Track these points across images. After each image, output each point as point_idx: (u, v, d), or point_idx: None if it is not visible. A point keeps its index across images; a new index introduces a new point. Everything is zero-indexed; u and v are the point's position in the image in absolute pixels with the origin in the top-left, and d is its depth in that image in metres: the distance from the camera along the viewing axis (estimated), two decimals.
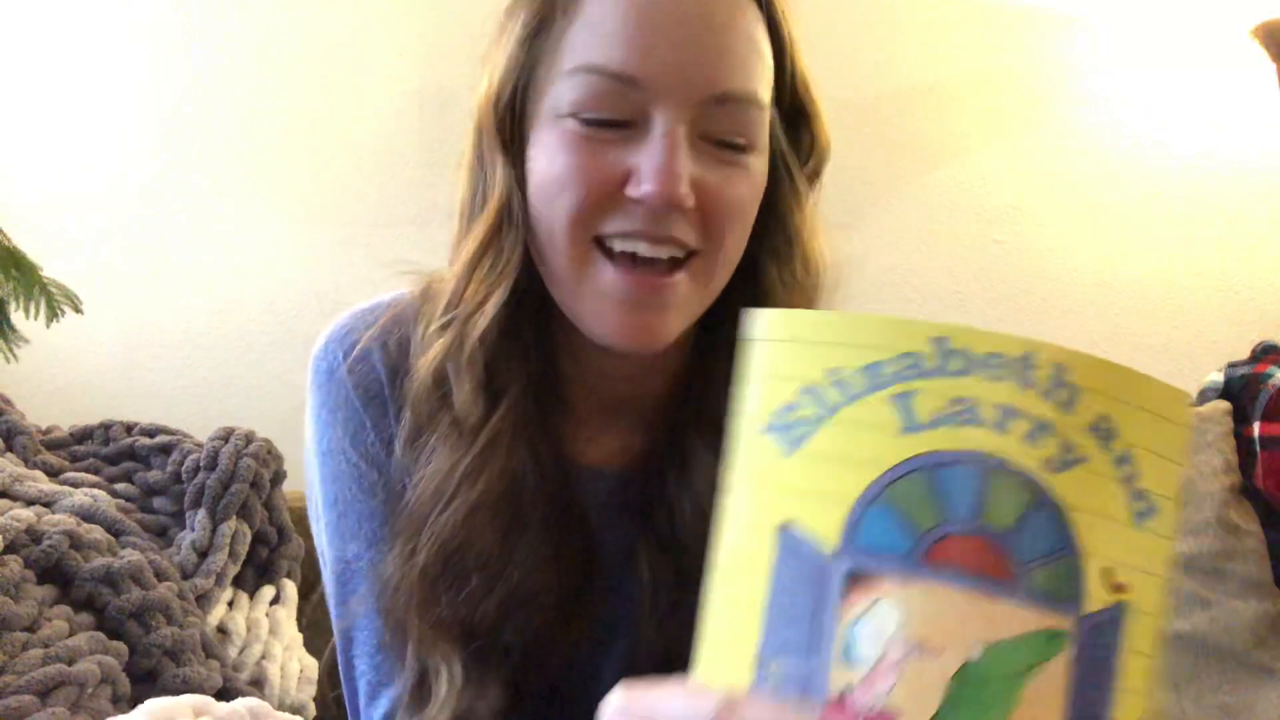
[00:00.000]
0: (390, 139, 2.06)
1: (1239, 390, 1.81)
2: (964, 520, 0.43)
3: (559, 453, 0.78)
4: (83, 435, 1.85)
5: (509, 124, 0.72)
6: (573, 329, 0.75)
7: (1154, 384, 0.45)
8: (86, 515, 1.53)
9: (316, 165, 2.14)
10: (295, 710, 1.62)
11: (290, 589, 1.73)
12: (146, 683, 1.38)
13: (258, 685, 1.58)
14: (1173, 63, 2.05)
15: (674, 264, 0.71)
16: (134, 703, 1.21)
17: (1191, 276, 2.11)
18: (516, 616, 0.75)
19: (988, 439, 0.44)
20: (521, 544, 0.74)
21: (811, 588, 0.44)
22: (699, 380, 0.78)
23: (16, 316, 1.55)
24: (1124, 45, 2.07)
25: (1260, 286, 2.11)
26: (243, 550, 1.66)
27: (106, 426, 1.84)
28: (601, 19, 0.68)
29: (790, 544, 0.45)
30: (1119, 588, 0.44)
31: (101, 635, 1.37)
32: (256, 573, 1.72)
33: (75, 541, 1.44)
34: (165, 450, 1.76)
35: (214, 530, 1.64)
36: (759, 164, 0.74)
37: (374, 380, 0.79)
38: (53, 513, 1.50)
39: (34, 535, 1.43)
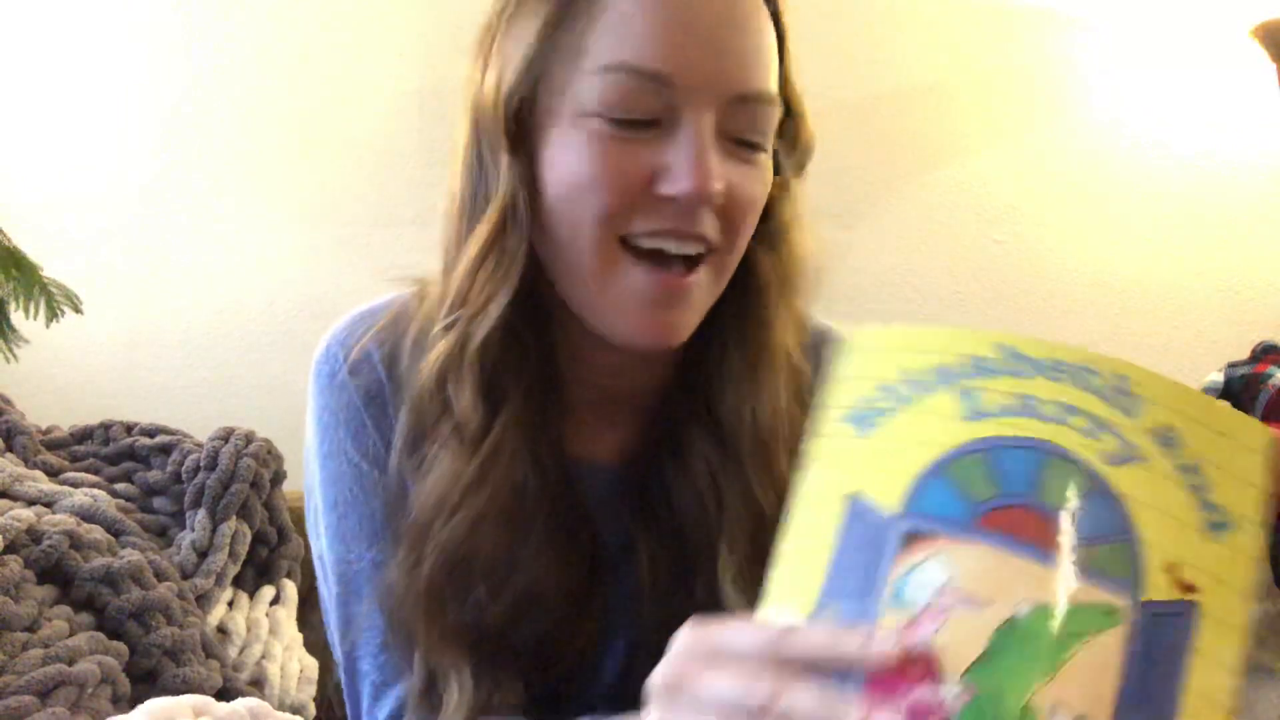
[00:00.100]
0: (390, 139, 2.06)
1: (1239, 390, 1.81)
2: (1019, 495, 0.47)
3: (559, 452, 0.78)
4: (83, 435, 1.85)
5: (516, 121, 0.71)
6: (571, 327, 0.75)
7: (1222, 408, 0.49)
8: (86, 515, 1.53)
9: (316, 165, 2.14)
10: (295, 710, 1.62)
11: (290, 589, 1.73)
12: (146, 683, 1.38)
13: (258, 685, 1.58)
14: (1173, 63, 2.05)
15: (693, 261, 0.71)
16: (134, 703, 1.21)
17: (1191, 276, 2.11)
18: (525, 619, 0.75)
19: (1047, 429, 0.48)
20: (526, 548, 0.74)
21: (871, 545, 0.49)
22: (694, 370, 0.77)
23: (16, 316, 1.55)
24: (1124, 45, 2.07)
25: (1260, 286, 2.11)
26: (243, 550, 1.66)
27: (106, 426, 1.84)
28: (630, 17, 0.67)
29: (857, 510, 0.50)
30: (1187, 587, 0.46)
31: (101, 635, 1.37)
32: (256, 573, 1.72)
33: (75, 541, 1.44)
34: (165, 450, 1.76)
35: (214, 530, 1.64)
36: (768, 161, 0.75)
37: (375, 381, 0.79)
38: (53, 513, 1.50)
39: (34, 535, 1.43)
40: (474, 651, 0.74)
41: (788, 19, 0.76)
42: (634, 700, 0.72)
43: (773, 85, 0.72)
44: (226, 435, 1.74)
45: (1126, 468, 0.47)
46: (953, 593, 0.46)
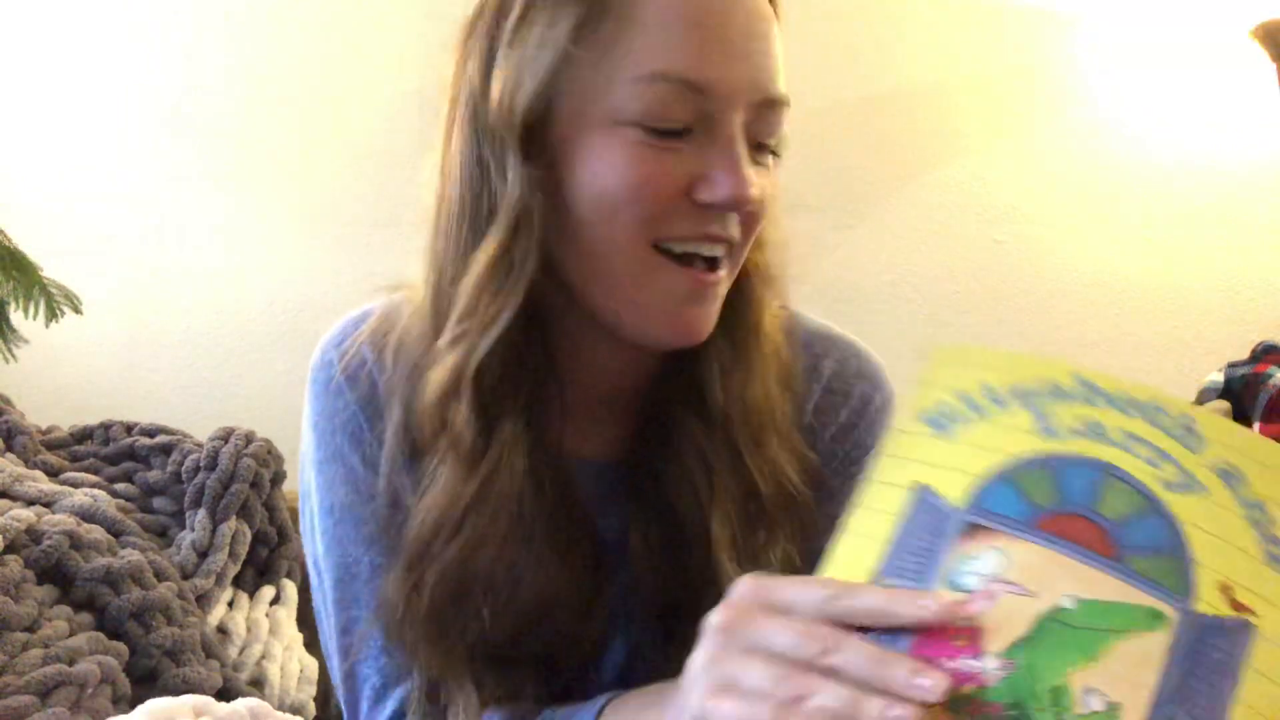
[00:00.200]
0: (390, 139, 2.06)
1: (1239, 390, 1.81)
2: (1077, 505, 0.52)
3: (556, 458, 0.78)
4: (83, 435, 1.85)
5: (528, 128, 0.70)
6: (573, 328, 0.75)
7: None
8: (86, 515, 1.53)
9: (316, 165, 2.14)
10: (295, 710, 1.62)
11: (290, 589, 1.73)
12: (147, 683, 1.38)
13: (258, 685, 1.58)
14: (1173, 63, 2.05)
15: (716, 258, 0.72)
16: (134, 703, 1.21)
17: (1191, 276, 2.11)
18: (529, 630, 0.75)
19: (1111, 453, 0.53)
20: (529, 562, 0.74)
21: (932, 531, 0.53)
22: (684, 360, 0.77)
23: (16, 317, 1.55)
24: (1124, 45, 2.07)
25: (1260, 286, 2.11)
26: (243, 550, 1.66)
27: (106, 426, 1.84)
28: (666, 26, 0.67)
29: (923, 498, 0.55)
30: (1240, 606, 0.49)
31: (101, 635, 1.37)
32: (256, 573, 1.72)
33: (75, 541, 1.44)
34: (165, 450, 1.76)
35: (214, 530, 1.64)
36: (776, 162, 0.75)
37: (370, 385, 0.79)
38: (53, 513, 1.50)
39: (34, 535, 1.43)
40: (478, 665, 0.74)
41: (789, 20, 0.76)
42: None
43: (785, 89, 0.72)
44: (226, 435, 1.74)
45: (1185, 495, 0.51)
46: (1003, 581, 0.50)
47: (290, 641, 1.68)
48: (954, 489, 0.54)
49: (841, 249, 2.16)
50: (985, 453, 0.54)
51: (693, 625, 0.76)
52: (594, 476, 0.80)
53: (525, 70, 0.69)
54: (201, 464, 1.70)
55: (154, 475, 1.73)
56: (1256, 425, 1.76)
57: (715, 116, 0.69)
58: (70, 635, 1.34)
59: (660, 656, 0.77)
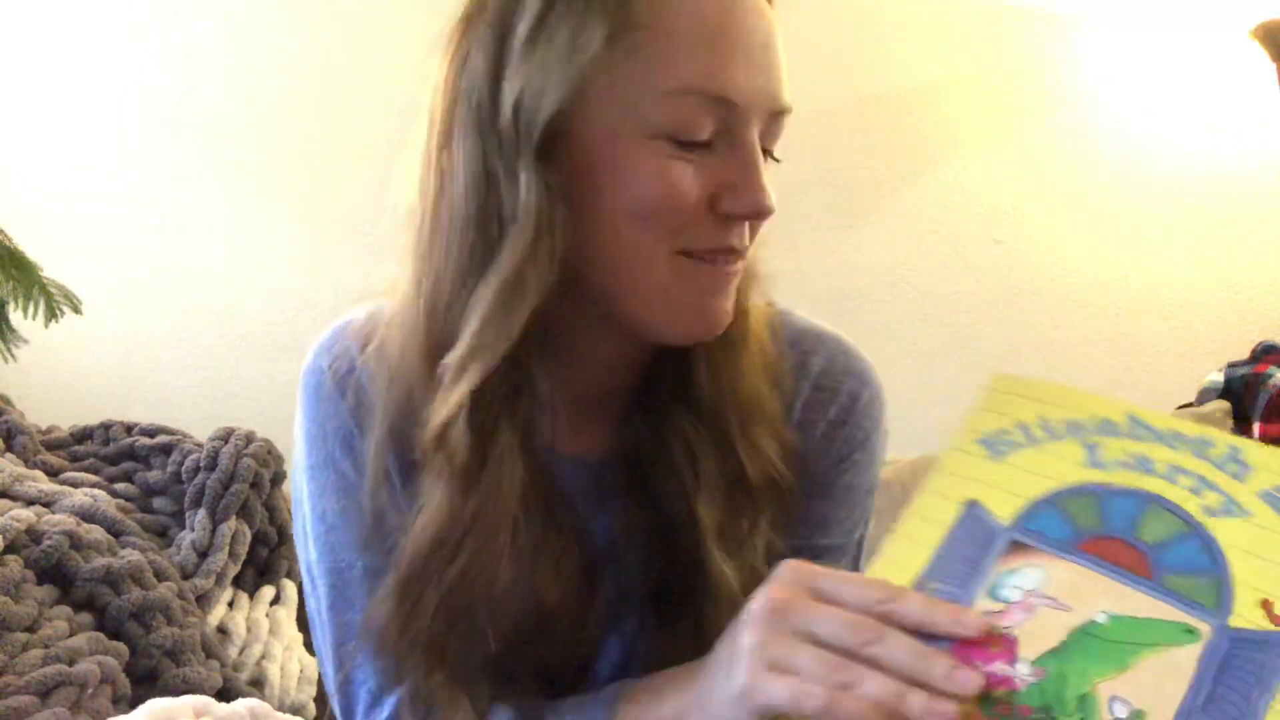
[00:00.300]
0: (391, 139, 2.05)
1: (1239, 390, 1.81)
2: (1118, 530, 0.56)
3: (550, 459, 0.77)
4: (83, 435, 1.85)
5: (548, 137, 0.69)
6: (570, 330, 0.75)
7: None
8: (86, 515, 1.53)
9: (317, 165, 2.14)
10: (295, 710, 1.62)
11: (290, 589, 1.73)
12: (147, 683, 1.38)
13: (258, 685, 1.58)
14: (1173, 63, 2.05)
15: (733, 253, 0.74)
16: (134, 703, 1.21)
17: (1191, 276, 2.11)
18: (526, 641, 0.75)
19: (1155, 484, 0.57)
20: (525, 575, 0.74)
21: (979, 544, 0.58)
22: (678, 355, 0.78)
23: (16, 316, 1.55)
24: (1124, 45, 2.07)
25: (1260, 286, 2.11)
26: (243, 550, 1.66)
27: (106, 426, 1.84)
28: (691, 38, 0.68)
29: (973, 513, 0.59)
30: None
31: (101, 635, 1.37)
32: (256, 573, 1.72)
33: (75, 542, 1.44)
34: (165, 450, 1.76)
35: (214, 530, 1.64)
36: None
37: (360, 390, 0.79)
38: (53, 513, 1.50)
39: (34, 535, 1.43)
40: (473, 679, 0.73)
41: (791, 20, 0.76)
42: None
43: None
44: (226, 435, 1.74)
45: (1227, 519, 0.55)
46: (1041, 595, 0.54)
47: (290, 641, 1.68)
48: (1004, 508, 0.58)
49: (841, 249, 2.16)
50: (1036, 478, 0.59)
51: (685, 613, 0.76)
52: (586, 475, 0.80)
53: (549, 78, 0.68)
54: (201, 464, 1.70)
55: (154, 475, 1.73)
56: (1256, 425, 1.76)
57: (736, 128, 0.70)
58: (70, 635, 1.34)
59: (656, 647, 0.77)
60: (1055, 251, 2.13)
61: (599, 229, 0.70)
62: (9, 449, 1.72)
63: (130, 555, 1.47)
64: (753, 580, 0.75)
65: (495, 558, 0.72)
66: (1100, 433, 0.59)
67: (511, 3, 0.69)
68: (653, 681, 0.71)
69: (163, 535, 1.66)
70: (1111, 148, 2.10)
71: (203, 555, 1.61)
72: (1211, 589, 0.53)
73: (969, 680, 0.52)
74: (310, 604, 0.84)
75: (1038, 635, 0.53)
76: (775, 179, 0.71)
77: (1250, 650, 0.52)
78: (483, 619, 0.72)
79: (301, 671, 1.67)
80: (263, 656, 1.63)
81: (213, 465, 1.69)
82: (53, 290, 1.55)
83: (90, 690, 1.27)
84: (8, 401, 1.84)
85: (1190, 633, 0.52)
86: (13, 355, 1.57)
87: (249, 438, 1.74)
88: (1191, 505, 0.56)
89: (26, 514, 1.46)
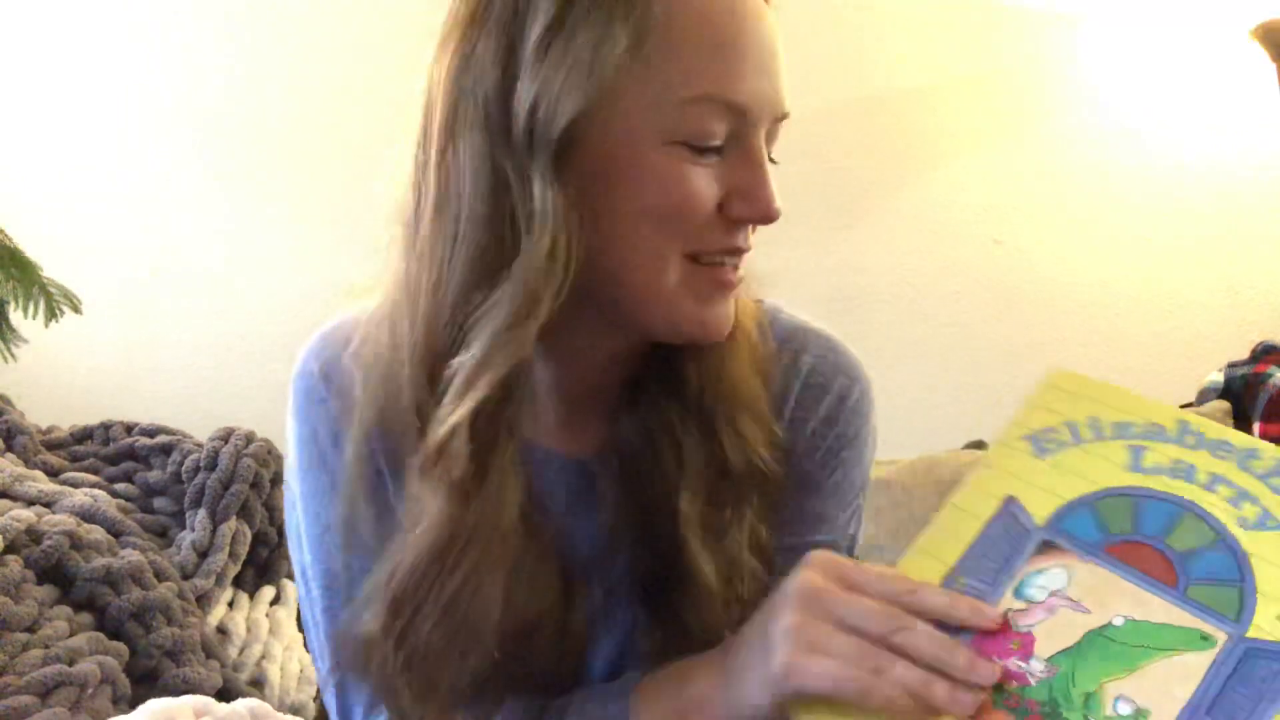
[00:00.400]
0: (392, 139, 2.06)
1: (1239, 390, 1.81)
2: (1149, 536, 0.57)
3: (541, 461, 0.77)
4: (83, 435, 1.85)
5: (564, 143, 0.69)
6: (570, 329, 0.74)
7: None
8: (86, 515, 1.53)
9: (317, 165, 2.14)
10: (295, 710, 1.63)
11: (290, 589, 1.74)
12: (147, 683, 1.38)
13: (258, 685, 1.58)
14: (1173, 63, 2.05)
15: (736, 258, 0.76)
16: (134, 703, 1.22)
17: (1191, 277, 2.11)
18: (522, 650, 0.74)
19: (1193, 492, 0.58)
20: (520, 586, 0.73)
21: (1011, 541, 0.60)
22: (669, 356, 0.78)
23: (16, 316, 1.55)
24: (1124, 45, 2.07)
25: (1260, 286, 2.11)
26: (243, 550, 1.66)
27: (106, 426, 1.84)
28: (705, 45, 0.68)
29: (1009, 510, 0.61)
30: None
31: (101, 635, 1.37)
32: (257, 573, 1.72)
33: (75, 542, 1.44)
34: (165, 450, 1.76)
35: (214, 530, 1.64)
36: None
37: (351, 393, 0.78)
38: (53, 513, 1.50)
39: (34, 535, 1.43)
40: (474, 691, 0.73)
41: (792, 20, 0.76)
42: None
43: None
44: (226, 435, 1.74)
45: (1260, 532, 0.56)
46: (1063, 597, 0.57)
47: (290, 641, 1.68)
48: (1040, 507, 0.60)
49: (841, 249, 2.16)
50: (1076, 478, 0.61)
51: (673, 606, 0.76)
52: (577, 473, 0.80)
53: (568, 84, 0.67)
54: (201, 464, 1.70)
55: (154, 475, 1.73)
56: (1256, 425, 1.76)
57: (745, 133, 0.71)
58: (70, 635, 1.34)
59: (649, 642, 0.78)
60: (1055, 251, 2.13)
61: (612, 233, 0.70)
62: (9, 449, 1.72)
63: (130, 555, 1.47)
64: (734, 571, 0.75)
65: (495, 567, 0.71)
66: (1147, 436, 0.61)
67: (523, 3, 0.68)
68: (670, 669, 0.71)
69: (163, 535, 1.66)
70: (1111, 148, 2.10)
71: (203, 555, 1.61)
72: (1234, 599, 0.54)
73: (988, 671, 0.56)
74: (304, 607, 0.83)
75: (1055, 634, 0.56)
76: (775, 179, 0.72)
77: (1263, 660, 0.52)
78: (486, 630, 0.72)
79: (301, 671, 1.67)
80: (263, 656, 1.63)
81: (213, 465, 1.69)
82: (53, 290, 1.55)
83: (90, 690, 1.27)
84: (8, 401, 1.84)
85: (1205, 640, 0.54)
86: (13, 355, 1.57)
87: (249, 438, 1.74)
88: (1227, 516, 0.57)
89: (26, 514, 1.46)
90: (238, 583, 1.69)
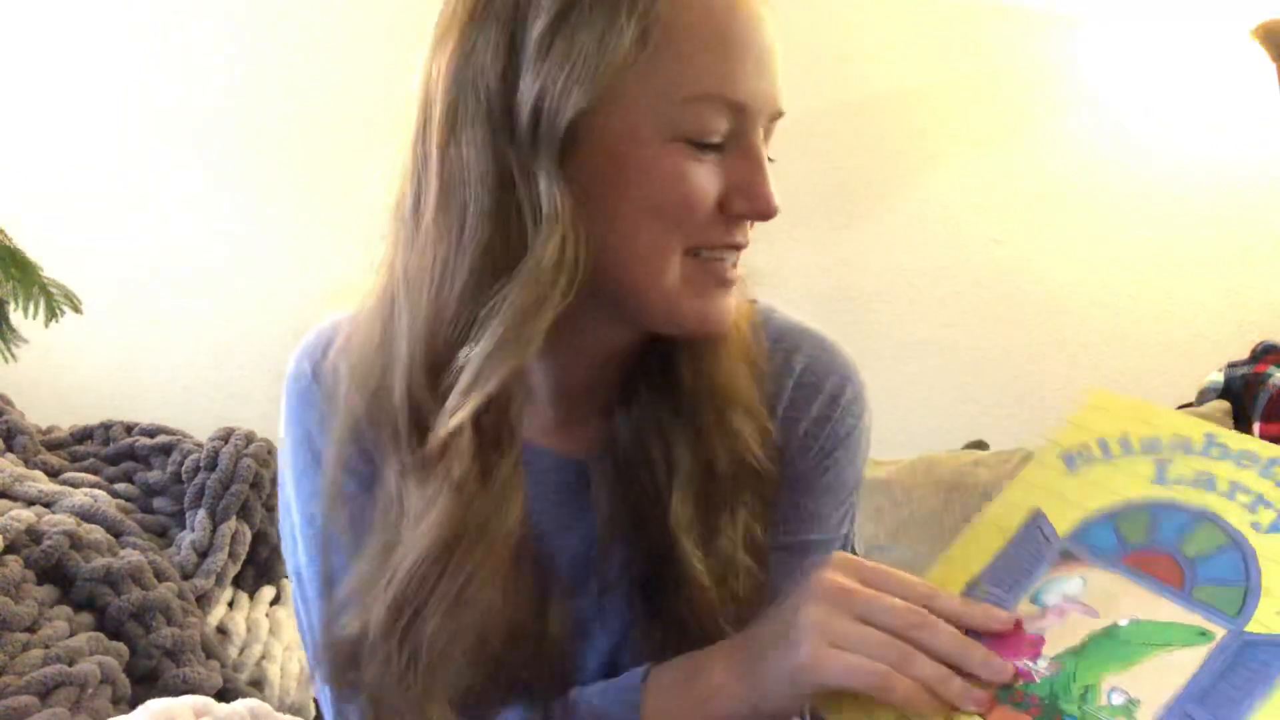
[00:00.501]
0: (394, 139, 2.05)
1: (1239, 390, 1.81)
2: (1164, 545, 0.60)
3: (537, 460, 0.77)
4: (83, 435, 1.85)
5: (566, 137, 0.69)
6: (569, 326, 0.74)
7: None
8: (86, 515, 1.53)
9: (317, 165, 2.14)
10: (295, 710, 1.63)
11: (291, 589, 1.74)
12: (147, 683, 1.38)
13: (257, 685, 1.58)
14: (1173, 63, 2.05)
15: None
16: (134, 703, 1.22)
17: (1191, 276, 2.11)
18: (518, 650, 0.74)
19: (1213, 500, 0.60)
20: (514, 588, 0.73)
21: (1034, 552, 0.63)
22: (663, 354, 0.78)
23: (16, 316, 1.55)
24: (1124, 45, 2.07)
25: (1260, 286, 2.11)
26: (243, 550, 1.66)
27: (106, 426, 1.84)
28: (708, 43, 0.69)
29: (1034, 523, 0.64)
30: None
31: (101, 635, 1.37)
32: (257, 573, 1.72)
33: (75, 542, 1.44)
34: (165, 450, 1.76)
35: (214, 530, 1.64)
36: None
37: (343, 395, 0.78)
38: (53, 513, 1.50)
39: (34, 535, 1.43)
40: (474, 693, 0.73)
41: (793, 20, 0.77)
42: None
43: None
44: (226, 435, 1.74)
45: (1273, 535, 0.58)
46: (1076, 602, 0.60)
47: (290, 641, 1.68)
48: (1064, 521, 0.64)
49: (841, 249, 2.16)
50: (1100, 492, 0.64)
51: (666, 605, 0.76)
52: (572, 472, 0.80)
53: (572, 81, 0.67)
54: (201, 464, 1.70)
55: (154, 475, 1.73)
56: (1256, 425, 1.76)
57: (744, 131, 0.71)
58: (70, 635, 1.34)
59: (646, 639, 0.78)
60: (1055, 251, 2.13)
61: (616, 228, 0.70)
62: (9, 449, 1.72)
63: (130, 555, 1.47)
64: (728, 570, 0.76)
65: (498, 567, 0.71)
66: (1173, 450, 0.64)
67: (535, 9, 0.68)
68: (680, 661, 0.72)
69: (163, 535, 1.66)
70: (1111, 148, 2.10)
71: (203, 555, 1.61)
72: (1237, 598, 0.56)
73: (1001, 669, 0.59)
74: (299, 608, 0.83)
75: (1064, 636, 0.59)
76: (777, 179, 0.72)
77: (1258, 652, 0.54)
78: (489, 630, 0.72)
79: (301, 671, 1.67)
80: (263, 656, 1.63)
81: (213, 465, 1.69)
82: (53, 290, 1.55)
83: (90, 690, 1.27)
84: (8, 401, 1.84)
85: (1203, 635, 0.56)
86: (13, 355, 1.57)
87: (249, 438, 1.74)
88: (1242, 521, 0.59)
89: (26, 514, 1.46)
90: (238, 583, 1.69)
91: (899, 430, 2.01)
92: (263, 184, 2.17)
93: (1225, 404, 1.81)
